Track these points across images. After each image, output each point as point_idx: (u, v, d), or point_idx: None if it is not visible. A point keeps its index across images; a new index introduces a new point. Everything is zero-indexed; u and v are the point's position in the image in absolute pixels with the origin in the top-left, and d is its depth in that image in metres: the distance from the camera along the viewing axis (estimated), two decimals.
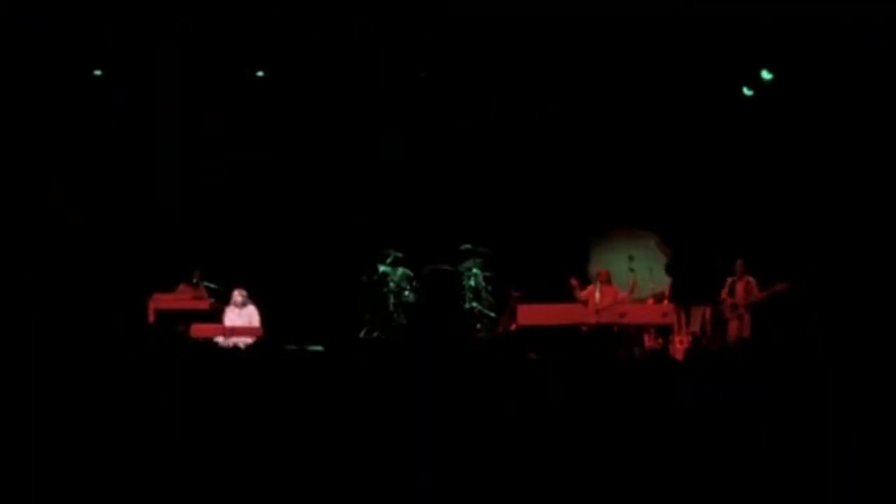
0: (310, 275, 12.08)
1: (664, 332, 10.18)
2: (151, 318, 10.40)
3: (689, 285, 10.92)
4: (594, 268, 11.16)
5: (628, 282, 10.51)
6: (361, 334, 11.64)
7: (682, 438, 3.33)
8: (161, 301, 10.58)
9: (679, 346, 10.08)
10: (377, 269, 11.91)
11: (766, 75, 10.80)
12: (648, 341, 10.29)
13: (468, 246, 11.74)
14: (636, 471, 3.15)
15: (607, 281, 10.43)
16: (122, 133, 11.76)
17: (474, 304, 11.57)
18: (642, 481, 3.13)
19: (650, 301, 10.80)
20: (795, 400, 3.54)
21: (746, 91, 11.12)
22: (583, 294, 10.39)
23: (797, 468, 3.13)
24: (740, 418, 3.42)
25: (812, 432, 3.30)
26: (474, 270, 11.74)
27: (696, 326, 10.62)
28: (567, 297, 10.42)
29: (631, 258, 10.74)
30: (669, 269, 11.80)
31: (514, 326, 10.18)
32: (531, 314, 9.66)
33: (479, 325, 11.46)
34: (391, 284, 11.83)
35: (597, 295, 10.45)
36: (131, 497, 3.12)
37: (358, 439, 3.51)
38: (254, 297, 10.77)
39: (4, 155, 10.66)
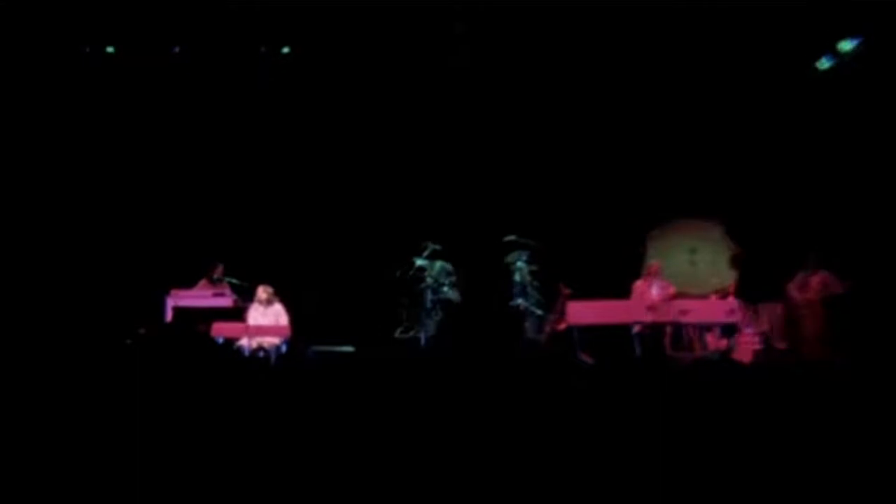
0: (340, 270, 12.21)
1: (730, 331, 10.05)
2: (169, 316, 10.44)
3: (758, 280, 10.76)
4: (652, 261, 11.02)
5: (688, 277, 10.34)
6: (396, 334, 11.68)
7: (751, 453, 3.22)
8: (180, 298, 10.61)
9: (746, 347, 9.93)
10: (413, 263, 11.89)
11: (844, 47, 10.57)
12: (712, 342, 10.17)
13: (513, 237, 11.60)
14: (702, 491, 3.09)
15: (659, 275, 10.34)
16: (140, 118, 12.01)
17: (520, 301, 11.47)
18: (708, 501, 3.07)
19: (714, 297, 10.63)
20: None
21: (823, 65, 10.97)
22: (637, 290, 10.25)
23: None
24: (821, 431, 3.34)
25: None
26: (519, 264, 11.61)
27: (765, 325, 10.44)
28: (623, 293, 10.25)
29: (693, 250, 10.55)
30: (735, 262, 11.68)
31: (563, 325, 10.14)
32: (582, 312, 9.55)
33: (525, 324, 11.35)
34: (428, 279, 11.81)
35: (653, 290, 10.33)
36: None
37: (391, 449, 3.52)
38: (280, 294, 10.80)
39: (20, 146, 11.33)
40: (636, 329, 9.72)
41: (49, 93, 11.33)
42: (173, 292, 10.71)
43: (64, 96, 11.49)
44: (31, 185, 11.52)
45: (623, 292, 10.36)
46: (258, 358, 9.88)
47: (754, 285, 10.76)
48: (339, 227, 12.40)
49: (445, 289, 11.72)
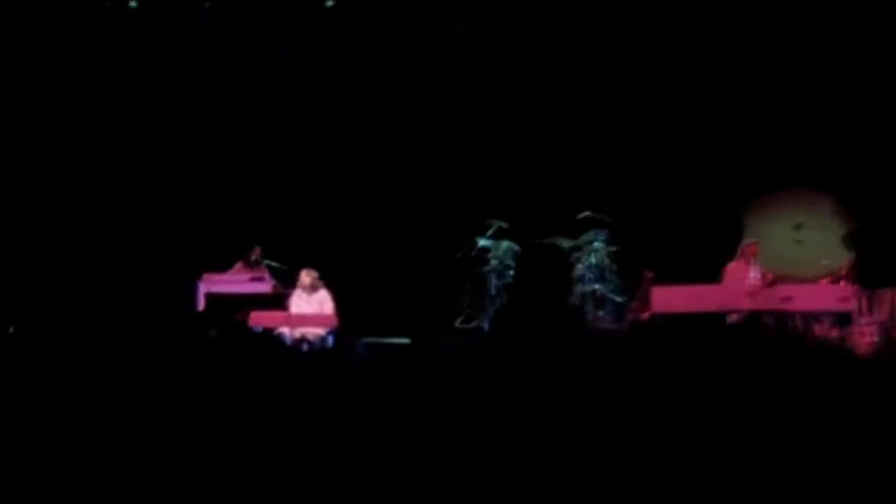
0: (393, 251, 12.32)
1: (843, 320, 9.89)
2: (201, 304, 10.59)
3: (876, 262, 10.59)
4: (749, 240, 10.86)
5: (793, 258, 10.15)
6: (457, 323, 11.74)
7: (872, 457, 3.17)
8: (213, 283, 10.75)
9: (862, 339, 9.71)
10: (476, 244, 11.93)
11: None
12: (821, 332, 10.01)
13: (589, 214, 11.59)
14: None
15: (757, 256, 10.28)
16: (171, 87, 12.29)
17: (596, 287, 11.43)
18: None
19: (824, 282, 10.48)
20: None
21: None
22: (731, 274, 10.16)
23: None
24: None
25: None
26: (596, 244, 11.61)
27: (883, 314, 10.22)
28: (716, 277, 10.16)
29: (798, 226, 10.34)
30: (850, 242, 11.52)
31: (647, 314, 10.07)
32: (669, 299, 9.36)
33: (601, 313, 11.32)
34: (493, 262, 11.85)
35: (751, 274, 10.21)
36: None
37: (452, 454, 3.53)
38: (325, 279, 10.90)
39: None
40: (731, 318, 9.59)
41: (78, 76, 11.83)
42: (206, 277, 10.82)
43: (91, 78, 11.96)
44: (55, 162, 12.01)
45: (714, 277, 10.17)
46: (301, 351, 9.85)
47: (872, 268, 10.56)
48: (392, 203, 12.52)
49: (512, 272, 11.77)
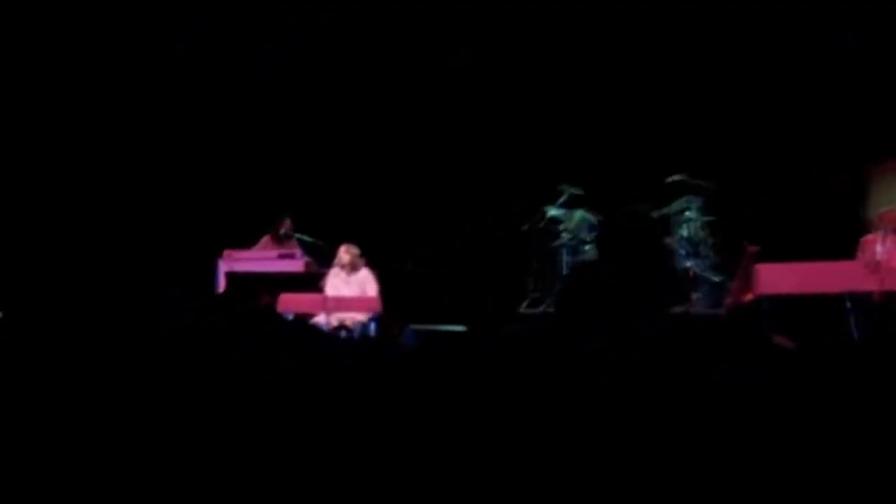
0: (445, 224, 12.55)
1: None
2: (222, 284, 10.71)
3: None
4: (877, 208, 10.62)
5: None
6: (523, 307, 11.68)
7: None
8: (235, 261, 10.81)
9: None
10: (545, 214, 11.91)
11: None
12: None
13: (680, 177, 11.40)
14: None
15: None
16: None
17: (689, 264, 11.22)
18: None
19: None
20: None
21: None
22: (868, 246, 10.06)
23: None
24: None
25: None
26: (689, 214, 11.40)
27: None
28: (835, 253, 9.84)
29: None
30: None
31: (750, 295, 9.71)
32: (776, 278, 8.93)
33: (695, 295, 11.10)
34: (565, 235, 11.77)
35: (878, 248, 10.10)
36: None
37: (514, 459, 3.54)
38: (367, 256, 10.88)
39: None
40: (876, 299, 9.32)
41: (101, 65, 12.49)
42: (227, 254, 10.90)
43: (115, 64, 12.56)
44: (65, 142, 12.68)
45: (829, 253, 9.82)
46: (339, 340, 9.69)
47: None
48: (444, 168, 12.70)
49: (588, 247, 11.68)
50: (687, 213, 11.43)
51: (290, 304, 10.03)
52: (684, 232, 11.39)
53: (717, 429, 3.66)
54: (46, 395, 4.21)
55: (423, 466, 3.53)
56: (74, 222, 12.47)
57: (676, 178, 11.42)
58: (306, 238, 11.22)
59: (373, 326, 10.42)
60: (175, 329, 8.72)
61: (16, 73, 12.28)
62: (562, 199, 11.97)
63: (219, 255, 10.88)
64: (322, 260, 11.02)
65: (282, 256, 10.95)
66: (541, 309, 11.62)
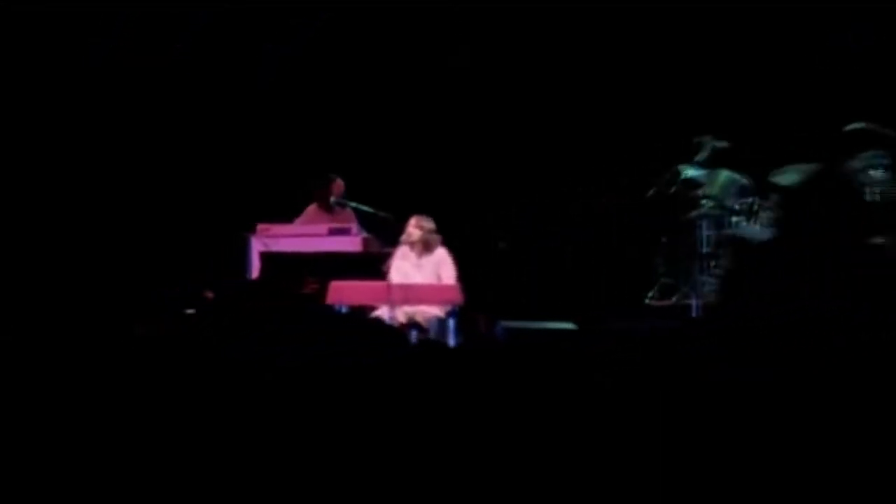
0: (545, 192, 12.66)
1: None
2: (255, 268, 10.71)
3: None
4: None
5: None
6: (648, 297, 11.63)
7: None
8: (272, 237, 10.81)
9: None
10: (678, 175, 11.57)
11: None
12: None
13: (863, 125, 10.96)
14: None
15: None
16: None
17: (881, 240, 10.75)
18: None
19: None
20: None
21: None
22: None
23: None
24: None
25: None
26: (875, 173, 10.90)
27: None
28: None
29: None
30: None
31: None
32: None
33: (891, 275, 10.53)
34: (706, 203, 11.44)
35: None
36: None
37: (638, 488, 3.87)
38: (445, 234, 10.82)
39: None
40: None
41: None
42: (261, 229, 10.88)
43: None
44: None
45: None
46: (408, 341, 9.57)
47: None
48: (538, 117, 12.79)
49: (737, 219, 11.35)
50: (872, 172, 11.01)
51: (342, 293, 10.05)
52: (869, 194, 11.03)
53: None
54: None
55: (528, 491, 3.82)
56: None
57: (857, 125, 11.09)
58: (364, 207, 11.21)
59: (451, 324, 10.28)
60: (174, 330, 9.37)
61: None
62: (701, 155, 11.63)
63: (250, 230, 10.90)
64: (385, 236, 10.97)
65: (332, 232, 10.97)
66: (673, 300, 11.54)
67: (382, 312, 10.12)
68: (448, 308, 10.27)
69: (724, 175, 11.54)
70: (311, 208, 11.36)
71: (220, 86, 13.78)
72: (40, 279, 12.50)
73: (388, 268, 10.45)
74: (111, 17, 13.36)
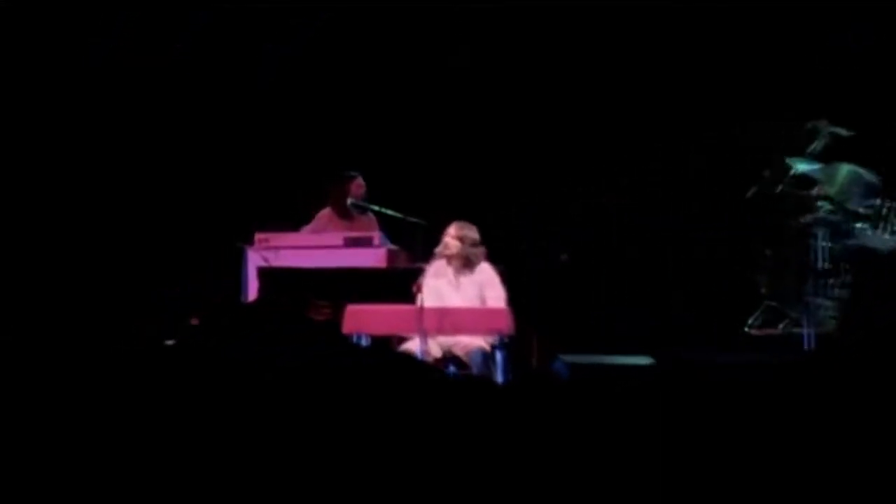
0: (611, 197, 12.80)
1: None
2: (253, 288, 10.65)
3: None
4: None
5: None
6: (749, 325, 11.69)
7: None
8: (272, 249, 10.74)
9: None
10: (787, 170, 11.66)
11: None
12: None
13: None
14: None
15: None
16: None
17: None
18: None
19: None
20: None
21: None
22: None
23: None
24: None
25: None
26: None
27: None
28: None
29: None
30: None
31: None
32: None
33: None
34: (822, 205, 11.54)
35: None
36: None
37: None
38: (491, 246, 10.53)
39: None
40: None
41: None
42: (259, 239, 10.82)
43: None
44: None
45: None
46: (446, 378, 8.97)
47: None
48: (610, 106, 12.89)
49: (862, 225, 11.38)
50: None
51: (362, 320, 9.81)
52: None
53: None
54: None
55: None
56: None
57: None
58: (390, 212, 11.07)
59: (499, 358, 9.85)
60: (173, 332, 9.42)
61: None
62: (814, 146, 11.74)
63: (247, 241, 10.77)
64: (417, 248, 10.65)
65: (350, 242, 10.81)
66: (780, 328, 11.60)
67: (413, 345, 9.81)
68: (495, 338, 9.85)
69: (846, 170, 11.66)
70: (325, 213, 11.18)
71: (220, 86, 14.79)
72: (28, 283, 13.16)
73: (420, 288, 9.80)
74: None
